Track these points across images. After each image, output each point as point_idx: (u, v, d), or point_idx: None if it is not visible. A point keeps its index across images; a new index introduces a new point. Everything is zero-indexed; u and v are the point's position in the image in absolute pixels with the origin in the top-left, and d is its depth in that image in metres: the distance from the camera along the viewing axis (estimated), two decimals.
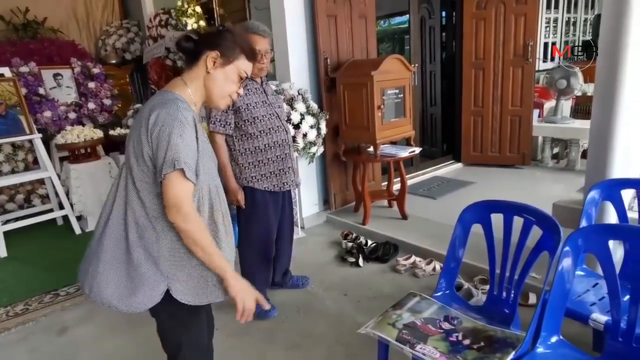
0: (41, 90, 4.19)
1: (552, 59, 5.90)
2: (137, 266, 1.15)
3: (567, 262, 1.36)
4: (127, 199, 1.16)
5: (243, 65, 1.25)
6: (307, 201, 3.59)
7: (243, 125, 2.09)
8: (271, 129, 2.15)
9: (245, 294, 1.19)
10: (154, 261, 1.15)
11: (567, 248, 1.35)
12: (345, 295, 2.50)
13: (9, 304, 2.65)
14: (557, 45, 5.91)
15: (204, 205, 1.20)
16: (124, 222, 1.16)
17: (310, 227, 3.53)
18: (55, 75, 4.45)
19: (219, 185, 1.27)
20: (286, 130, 2.21)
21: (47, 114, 4.11)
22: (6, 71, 3.70)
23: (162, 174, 1.08)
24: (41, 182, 4.03)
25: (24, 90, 3.92)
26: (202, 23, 4.33)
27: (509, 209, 1.61)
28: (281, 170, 2.21)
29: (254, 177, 2.15)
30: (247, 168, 2.14)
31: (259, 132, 2.12)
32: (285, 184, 2.23)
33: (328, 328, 2.20)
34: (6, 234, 3.47)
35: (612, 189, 1.80)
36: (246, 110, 2.07)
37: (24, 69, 4.16)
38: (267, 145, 2.14)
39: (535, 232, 1.51)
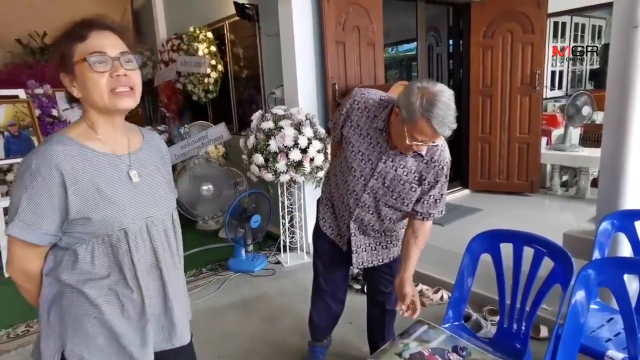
0: (54, 112, 4.26)
1: (560, 87, 5.93)
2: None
3: (580, 296, 1.32)
4: None
5: (83, 51, 0.93)
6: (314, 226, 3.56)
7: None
8: (344, 184, 1.64)
9: None
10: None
11: (580, 281, 1.32)
12: (350, 323, 2.44)
13: (10, 326, 2.61)
14: (565, 75, 5.96)
15: (89, 259, 0.99)
16: None
17: None
18: None
19: (130, 231, 1.00)
20: (359, 204, 1.62)
21: None
22: (21, 93, 3.78)
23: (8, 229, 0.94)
24: None
25: (37, 112, 3.99)
26: (213, 48, 4.42)
27: (519, 239, 1.58)
28: (338, 229, 1.80)
29: (321, 202, 1.86)
30: (324, 188, 1.86)
31: (337, 172, 1.70)
32: (340, 242, 1.80)
33: (332, 358, 2.14)
34: None
35: (626, 220, 1.77)
36: (347, 145, 1.61)
37: (38, 91, 4.25)
38: (334, 191, 1.75)
39: (546, 263, 1.48)
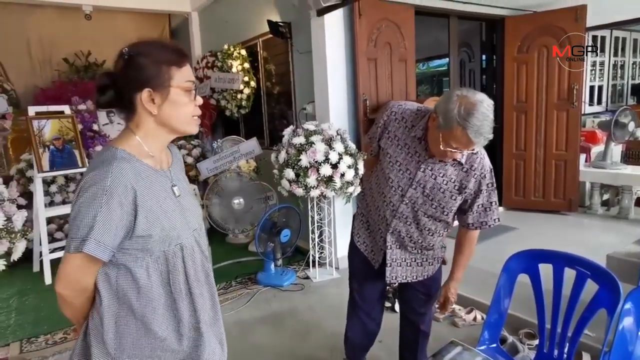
0: (95, 127, 4.47)
1: (599, 103, 5.73)
2: None
3: (628, 322, 1.24)
4: None
5: (181, 77, 1.00)
6: (343, 241, 3.53)
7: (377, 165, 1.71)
8: (381, 196, 1.64)
9: None
10: None
11: (628, 306, 1.25)
12: (380, 342, 2.38)
13: (49, 332, 2.70)
14: (605, 89, 5.75)
15: (150, 275, 1.00)
16: None
17: (345, 268, 3.44)
18: (108, 113, 4.74)
19: (185, 246, 1.05)
20: (396, 216, 1.60)
21: (99, 148, 4.36)
22: (66, 109, 3.98)
23: (70, 248, 0.94)
24: None
25: (80, 126, 4.19)
26: (247, 65, 4.53)
27: (560, 260, 1.52)
28: (373, 245, 1.77)
29: (356, 217, 1.85)
30: (360, 203, 1.85)
31: (373, 184, 1.70)
32: (373, 260, 1.77)
33: None
34: (52, 262, 3.60)
35: None
36: (384, 156, 1.63)
37: (82, 107, 4.47)
38: (370, 204, 1.74)
39: (589, 286, 1.41)
